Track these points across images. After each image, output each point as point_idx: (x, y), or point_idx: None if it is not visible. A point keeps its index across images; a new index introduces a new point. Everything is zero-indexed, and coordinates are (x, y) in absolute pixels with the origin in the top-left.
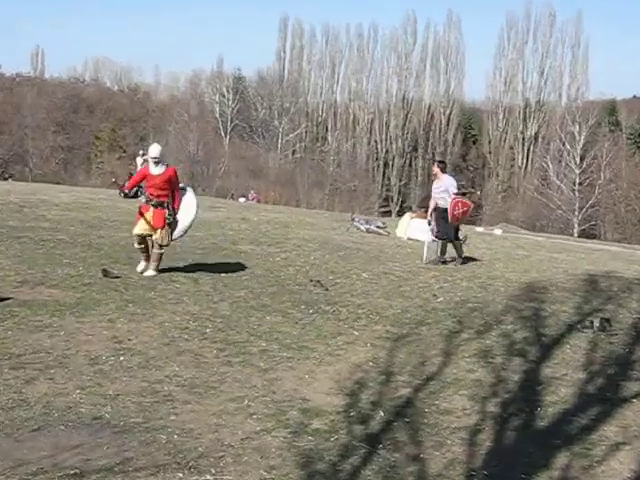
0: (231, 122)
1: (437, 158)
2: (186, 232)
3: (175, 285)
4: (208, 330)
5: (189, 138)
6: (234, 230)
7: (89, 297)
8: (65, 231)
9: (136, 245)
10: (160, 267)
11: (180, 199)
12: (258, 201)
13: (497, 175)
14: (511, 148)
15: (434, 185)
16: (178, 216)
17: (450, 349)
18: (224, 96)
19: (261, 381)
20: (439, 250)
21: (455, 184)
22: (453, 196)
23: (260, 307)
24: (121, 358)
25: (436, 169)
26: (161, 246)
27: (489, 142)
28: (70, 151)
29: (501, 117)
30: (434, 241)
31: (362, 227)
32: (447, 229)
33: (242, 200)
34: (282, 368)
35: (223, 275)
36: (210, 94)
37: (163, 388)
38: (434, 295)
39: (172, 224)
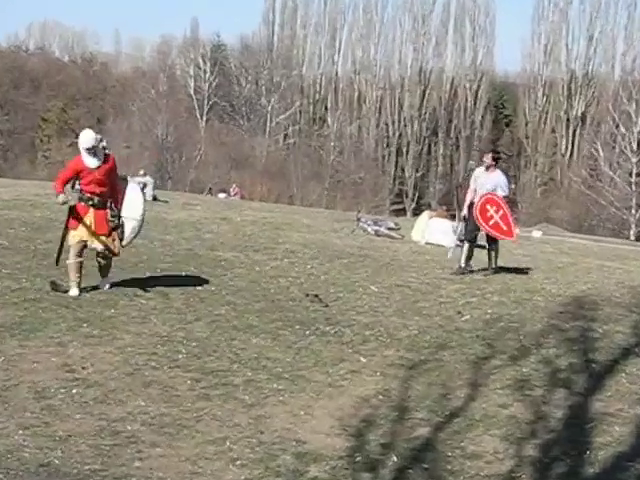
0: (208, 100)
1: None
2: (136, 236)
3: (140, 301)
4: (180, 356)
5: (157, 119)
6: (212, 233)
7: (34, 316)
8: (4, 235)
9: (71, 260)
10: (121, 279)
11: (122, 193)
12: (242, 197)
13: (535, 165)
14: (553, 131)
15: (480, 179)
16: (123, 215)
17: (478, 379)
18: (200, 68)
19: (246, 419)
20: (464, 256)
21: (507, 184)
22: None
23: (244, 328)
24: (74, 391)
25: (490, 161)
26: (107, 256)
27: (526, 124)
28: (10, 136)
29: (540, 93)
30: (458, 246)
31: (370, 229)
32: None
33: (222, 196)
34: (272, 403)
35: (199, 288)
36: (183, 66)
37: (125, 428)
38: (459, 312)
39: (118, 227)
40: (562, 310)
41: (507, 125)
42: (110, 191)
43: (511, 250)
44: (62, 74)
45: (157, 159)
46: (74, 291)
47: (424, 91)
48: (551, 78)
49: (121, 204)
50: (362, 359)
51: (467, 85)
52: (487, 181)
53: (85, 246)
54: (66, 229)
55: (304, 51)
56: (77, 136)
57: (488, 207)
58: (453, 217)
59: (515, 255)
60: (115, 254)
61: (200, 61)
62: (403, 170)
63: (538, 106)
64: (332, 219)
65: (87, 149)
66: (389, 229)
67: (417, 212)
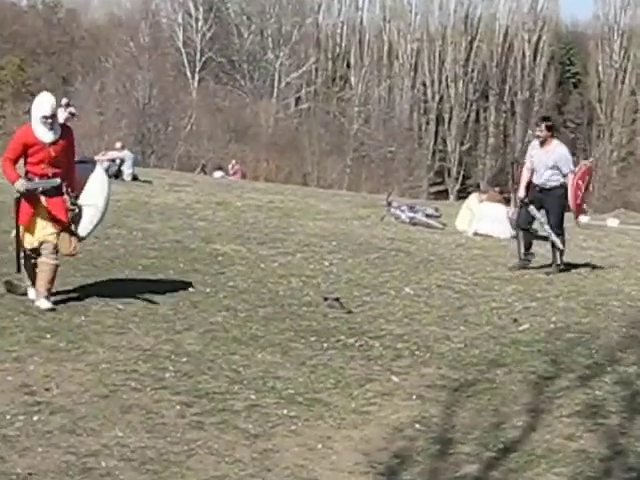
0: (201, 55)
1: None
2: (96, 227)
3: (117, 306)
4: (167, 375)
5: (137, 79)
6: (207, 221)
7: None
8: None
9: (23, 262)
10: (98, 278)
11: (77, 174)
12: (243, 176)
13: (611, 135)
14: (633, 94)
15: (536, 155)
16: (81, 201)
17: (540, 404)
18: (190, 15)
19: (250, 453)
20: (521, 245)
21: (571, 157)
22: (574, 174)
23: (247, 339)
24: (35, 418)
25: (545, 132)
26: (56, 257)
27: (599, 85)
28: None
29: (617, 46)
30: (514, 237)
31: (404, 216)
32: (558, 220)
33: (219, 175)
34: (281, 433)
35: (190, 290)
36: (169, 12)
37: (99, 464)
38: (515, 321)
39: (76, 217)
40: None
41: (575, 86)
42: (65, 172)
43: (580, 243)
44: (18, 23)
45: (137, 129)
46: (34, 293)
47: (471, 43)
48: (630, 27)
49: (78, 187)
50: (394, 379)
51: (525, 36)
52: (545, 157)
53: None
54: (18, 226)
55: None
56: (68, 103)
57: (580, 182)
58: (507, 201)
59: (585, 249)
60: (71, 254)
61: (191, 6)
62: (445, 142)
63: (614, 62)
64: (356, 204)
65: (44, 117)
66: (427, 216)
67: (463, 195)
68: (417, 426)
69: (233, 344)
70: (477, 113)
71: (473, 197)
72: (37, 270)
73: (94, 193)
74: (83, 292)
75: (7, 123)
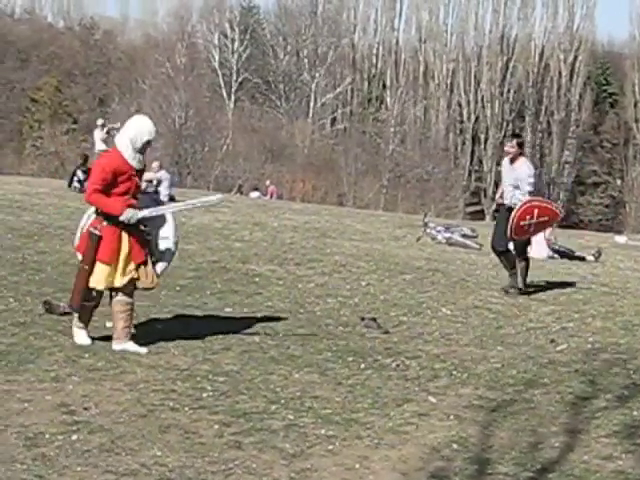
0: (237, 76)
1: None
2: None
3: (155, 326)
4: (205, 394)
5: (173, 100)
6: (243, 242)
7: (24, 344)
8: None
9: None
10: (136, 298)
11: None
12: (279, 197)
13: None
14: None
15: (505, 172)
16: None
17: (577, 424)
18: (226, 36)
19: (288, 472)
20: (516, 273)
21: (533, 176)
22: (527, 198)
23: (285, 359)
24: (73, 437)
25: (515, 148)
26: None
27: (635, 105)
28: None
29: None
30: (551, 257)
31: (440, 236)
32: (502, 238)
33: (255, 195)
34: (319, 453)
35: (227, 311)
36: (205, 33)
37: None
38: (552, 341)
39: (151, 249)
40: None
41: (611, 106)
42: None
43: (616, 264)
44: (56, 44)
45: (174, 149)
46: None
47: (507, 64)
48: None
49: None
50: (431, 399)
51: (561, 56)
52: (512, 176)
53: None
54: (92, 264)
55: (356, 14)
56: (75, 121)
57: (522, 223)
58: None
59: (622, 270)
60: (152, 287)
61: (227, 27)
62: (481, 162)
63: None
64: (392, 224)
65: (147, 142)
66: (464, 236)
67: None
68: (454, 446)
69: (271, 364)
70: (513, 133)
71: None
72: (114, 311)
73: (163, 226)
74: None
75: (44, 143)
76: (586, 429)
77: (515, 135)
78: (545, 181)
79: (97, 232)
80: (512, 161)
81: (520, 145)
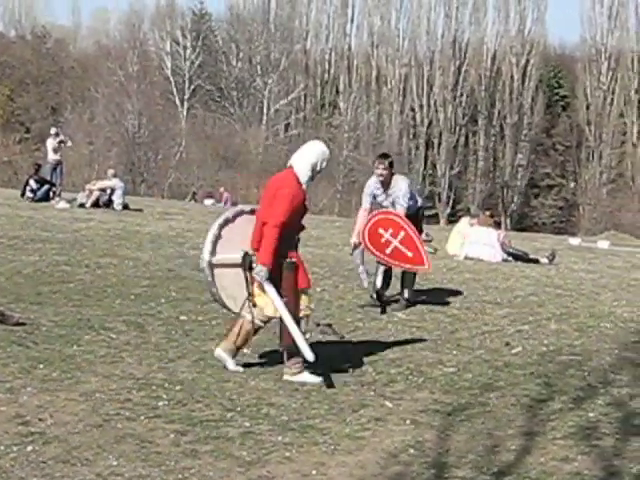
0: (190, 83)
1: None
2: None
3: (109, 335)
4: (161, 403)
5: (126, 108)
6: (198, 249)
7: None
8: None
9: (257, 321)
10: (90, 307)
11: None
12: (233, 203)
13: (600, 158)
14: (621, 116)
15: (382, 196)
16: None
17: (534, 427)
18: (178, 43)
19: None
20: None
21: (407, 193)
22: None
23: (240, 366)
24: (28, 448)
25: (387, 170)
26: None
27: (587, 108)
28: None
29: (605, 69)
30: (505, 260)
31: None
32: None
33: (209, 202)
34: (276, 460)
35: (183, 318)
36: (157, 41)
37: None
38: (507, 344)
39: None
40: (637, 339)
41: (564, 109)
42: None
43: (571, 266)
44: (7, 53)
45: (127, 157)
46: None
47: (459, 68)
48: (618, 49)
49: None
50: (388, 404)
51: (513, 60)
52: (384, 198)
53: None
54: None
55: (308, 20)
56: (28, 130)
57: (381, 231)
58: (498, 225)
59: (576, 272)
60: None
61: (179, 34)
62: (434, 167)
63: (602, 84)
64: (347, 230)
65: (321, 170)
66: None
67: (453, 219)
68: (411, 451)
69: (226, 372)
70: (466, 137)
71: (464, 221)
72: (239, 326)
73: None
74: (75, 322)
75: None
76: (542, 431)
77: (385, 155)
78: (499, 184)
79: (294, 260)
80: (385, 184)
81: (392, 165)
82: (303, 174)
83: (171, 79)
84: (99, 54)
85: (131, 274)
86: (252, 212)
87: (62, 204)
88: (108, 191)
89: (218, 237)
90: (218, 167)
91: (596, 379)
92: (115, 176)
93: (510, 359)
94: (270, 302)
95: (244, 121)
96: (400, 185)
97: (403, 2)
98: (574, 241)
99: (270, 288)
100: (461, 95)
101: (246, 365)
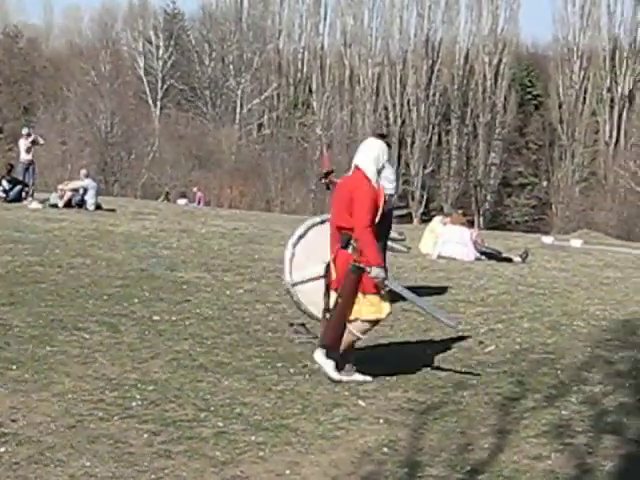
0: (163, 83)
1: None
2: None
3: (82, 335)
4: (134, 404)
5: (99, 108)
6: (171, 249)
7: None
8: None
9: (358, 334)
10: (63, 308)
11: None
12: (207, 203)
13: (572, 156)
14: (593, 114)
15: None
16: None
17: (507, 425)
18: (151, 43)
19: None
20: None
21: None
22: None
23: (214, 366)
24: (1, 449)
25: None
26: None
27: (559, 106)
28: None
29: (577, 68)
30: (478, 259)
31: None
32: None
33: (182, 202)
34: (249, 460)
35: (156, 318)
36: (129, 40)
37: None
38: (480, 342)
39: None
40: (609, 337)
41: (536, 108)
42: None
43: (543, 264)
44: None
45: (100, 157)
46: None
47: (432, 67)
48: (590, 48)
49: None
50: (361, 403)
51: (485, 59)
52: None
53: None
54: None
55: (281, 20)
56: (0, 130)
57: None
58: (471, 223)
59: (549, 269)
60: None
61: (151, 34)
62: (408, 166)
63: (574, 83)
64: None
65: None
66: (391, 240)
67: (426, 218)
68: (385, 450)
69: (199, 371)
70: (439, 136)
71: (437, 220)
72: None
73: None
74: (48, 322)
75: None
76: (515, 429)
77: (381, 135)
78: (472, 183)
79: (361, 265)
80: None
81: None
82: (370, 172)
83: (144, 79)
84: (71, 53)
85: (104, 274)
86: (322, 223)
87: (35, 204)
88: (81, 191)
89: (293, 255)
90: (191, 167)
91: (569, 377)
92: (88, 176)
93: (483, 358)
94: (367, 304)
95: (217, 121)
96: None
97: (376, 1)
98: (547, 240)
99: (395, 285)
100: (434, 94)
101: (219, 364)
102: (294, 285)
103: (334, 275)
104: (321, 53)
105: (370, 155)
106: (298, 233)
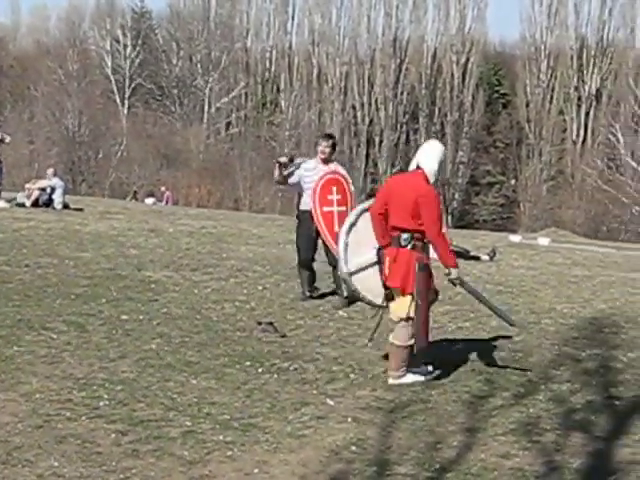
0: (131, 81)
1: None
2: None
3: (50, 335)
4: (102, 403)
5: (66, 107)
6: (139, 248)
7: None
8: None
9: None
10: (31, 307)
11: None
12: (175, 202)
13: (540, 155)
14: (561, 113)
15: (314, 175)
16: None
17: (475, 423)
18: (118, 42)
19: (185, 479)
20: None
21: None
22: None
23: (182, 366)
24: None
25: (329, 149)
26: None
27: (527, 105)
28: None
29: (544, 66)
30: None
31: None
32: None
33: (150, 201)
34: (217, 459)
35: (124, 318)
36: (97, 39)
37: None
38: (448, 341)
39: None
40: (577, 335)
41: (504, 107)
42: None
43: (511, 262)
44: None
45: (68, 156)
46: (407, 378)
47: (400, 66)
48: (557, 47)
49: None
50: (329, 402)
51: (453, 58)
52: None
53: None
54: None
55: (249, 19)
56: None
57: (333, 189)
58: None
59: (517, 268)
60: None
61: (119, 33)
62: (376, 165)
63: (542, 82)
64: (288, 228)
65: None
66: None
67: None
68: (353, 448)
69: (167, 371)
70: (407, 135)
71: None
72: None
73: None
74: (15, 322)
75: None
76: (483, 427)
77: (329, 135)
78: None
79: (426, 262)
80: (326, 162)
81: (334, 146)
82: (432, 174)
83: (111, 78)
84: (39, 52)
85: (72, 274)
86: (368, 210)
87: (1, 204)
88: (48, 190)
89: (347, 245)
90: (159, 166)
91: (537, 375)
92: (55, 175)
93: (451, 356)
94: (404, 305)
95: (185, 120)
96: (341, 170)
97: (343, 1)
98: (515, 238)
99: (470, 286)
100: (402, 93)
101: (187, 364)
102: (351, 274)
103: (390, 272)
104: (289, 52)
105: (436, 159)
106: (349, 221)
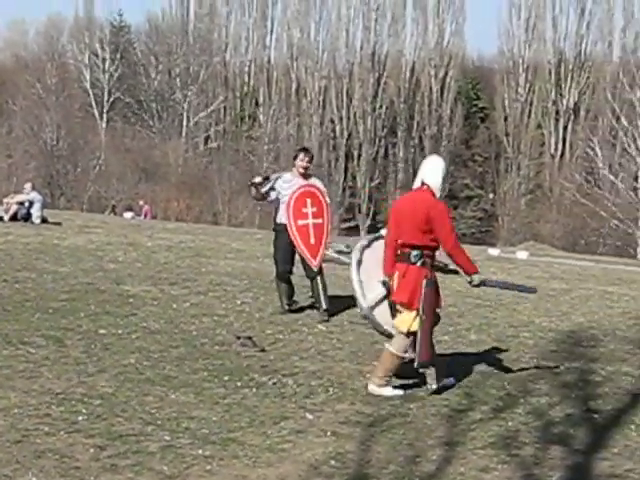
0: (109, 95)
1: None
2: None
3: (28, 349)
4: (80, 418)
5: (45, 121)
6: (117, 262)
7: None
8: None
9: (401, 353)
10: (8, 322)
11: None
12: (153, 216)
13: (518, 169)
14: (539, 127)
15: (291, 185)
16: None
17: (454, 437)
18: (97, 56)
19: None
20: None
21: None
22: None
23: (160, 380)
24: None
25: (309, 163)
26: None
27: (505, 119)
28: None
29: (522, 80)
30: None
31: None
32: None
33: (128, 216)
34: (196, 473)
35: (102, 332)
36: (75, 53)
37: None
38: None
39: None
40: (555, 348)
41: (482, 120)
42: None
43: (490, 276)
44: None
45: (46, 170)
46: (387, 390)
47: (378, 80)
48: (535, 61)
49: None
50: (308, 416)
51: (432, 72)
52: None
53: None
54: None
55: (227, 33)
56: None
57: (308, 202)
58: None
59: None
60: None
61: (97, 47)
62: (354, 178)
63: (520, 96)
64: (267, 242)
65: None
66: (338, 252)
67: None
68: (332, 462)
69: (146, 385)
70: (386, 149)
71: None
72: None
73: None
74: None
75: None
76: (462, 441)
77: (307, 149)
78: None
79: (434, 279)
80: (305, 176)
81: (311, 160)
82: (438, 188)
83: (90, 92)
84: (17, 66)
85: (50, 288)
86: (370, 243)
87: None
88: (26, 204)
89: (361, 281)
90: (138, 180)
91: (515, 388)
92: (33, 189)
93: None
94: (407, 319)
95: (164, 134)
96: (319, 184)
97: (322, 15)
98: (493, 252)
99: (491, 281)
100: (380, 107)
101: (165, 378)
102: (372, 309)
103: (398, 287)
104: (268, 66)
105: (440, 174)
106: (356, 258)
